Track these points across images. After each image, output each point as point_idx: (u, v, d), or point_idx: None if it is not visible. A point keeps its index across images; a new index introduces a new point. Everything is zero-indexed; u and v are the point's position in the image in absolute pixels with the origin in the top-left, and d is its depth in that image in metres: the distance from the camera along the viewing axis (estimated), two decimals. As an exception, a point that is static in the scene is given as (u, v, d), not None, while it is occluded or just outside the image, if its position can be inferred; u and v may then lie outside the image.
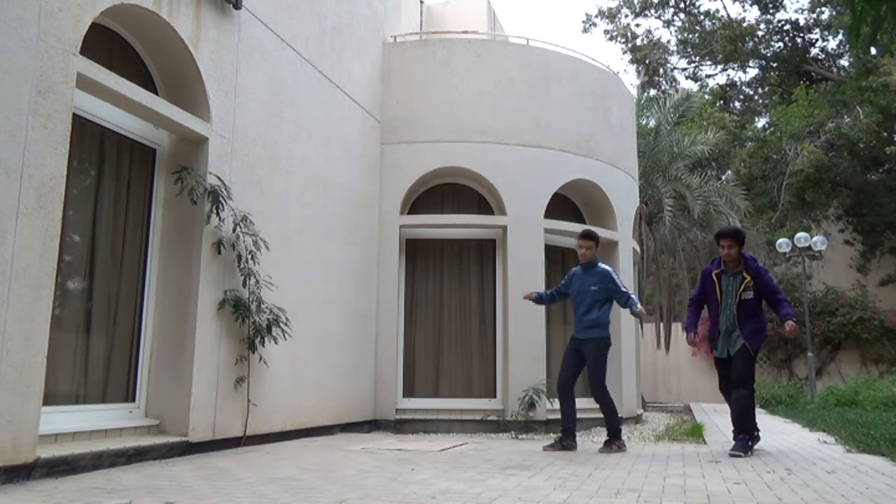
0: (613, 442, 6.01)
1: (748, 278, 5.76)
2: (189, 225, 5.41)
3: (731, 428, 5.83)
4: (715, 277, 5.92)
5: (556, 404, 8.18)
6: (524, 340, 8.33)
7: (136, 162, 5.33)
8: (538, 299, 6.60)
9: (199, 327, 5.25)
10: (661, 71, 26.52)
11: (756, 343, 5.74)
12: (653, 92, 22.78)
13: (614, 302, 6.25)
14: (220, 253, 5.52)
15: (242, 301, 5.63)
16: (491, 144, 8.71)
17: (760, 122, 25.38)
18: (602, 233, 9.45)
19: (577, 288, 6.25)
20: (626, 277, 9.68)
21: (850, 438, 6.43)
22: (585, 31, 26.81)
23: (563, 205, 9.42)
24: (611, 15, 26.21)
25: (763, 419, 10.63)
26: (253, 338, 5.72)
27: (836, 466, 4.81)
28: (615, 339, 9.42)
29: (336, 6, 7.73)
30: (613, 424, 6.05)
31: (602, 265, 6.29)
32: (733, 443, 5.72)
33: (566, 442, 6.01)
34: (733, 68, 26.15)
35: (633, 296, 6.23)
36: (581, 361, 6.17)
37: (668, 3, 26.04)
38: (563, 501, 3.40)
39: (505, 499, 3.44)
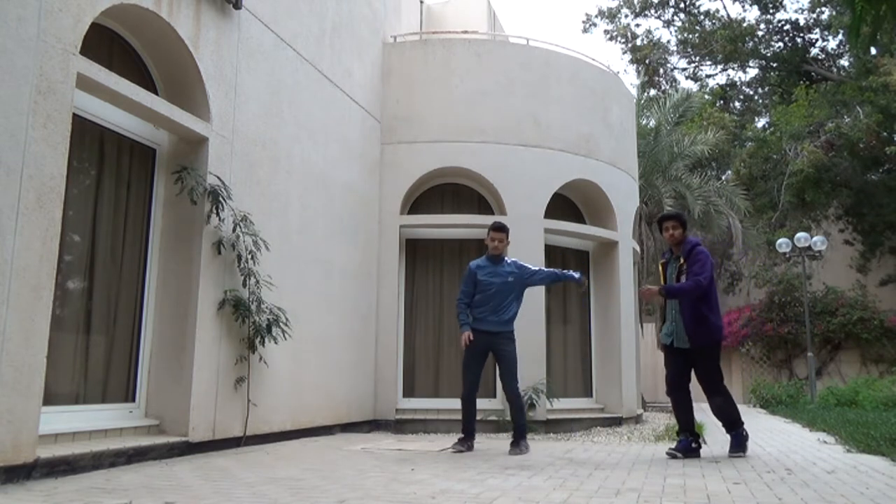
0: (522, 441, 5.79)
1: (682, 262, 5.54)
2: (189, 225, 5.41)
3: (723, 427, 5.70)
4: (661, 267, 5.80)
5: (556, 404, 8.23)
6: (524, 340, 8.24)
7: (136, 162, 5.33)
8: (469, 328, 5.90)
9: (199, 327, 5.25)
10: (661, 71, 26.53)
11: (705, 339, 5.43)
12: (653, 92, 22.78)
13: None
14: (220, 253, 5.52)
15: (242, 301, 5.63)
16: (491, 144, 8.71)
17: (760, 122, 25.41)
18: (602, 233, 9.49)
19: (494, 280, 5.91)
20: (626, 277, 9.69)
21: (850, 438, 6.43)
22: (585, 31, 26.84)
23: (563, 205, 9.41)
24: (611, 15, 26.23)
25: (763, 419, 10.64)
26: (253, 338, 5.72)
27: (836, 466, 4.81)
28: (616, 339, 9.47)
29: (336, 6, 7.73)
30: (523, 422, 5.89)
31: (507, 257, 6.11)
32: (729, 442, 5.58)
33: (471, 442, 5.88)
34: (733, 68, 26.17)
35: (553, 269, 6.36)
36: (485, 361, 5.97)
37: (668, 3, 26.05)
38: (563, 501, 3.40)
39: (505, 499, 3.44)
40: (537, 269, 6.24)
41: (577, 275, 6.12)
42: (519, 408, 5.92)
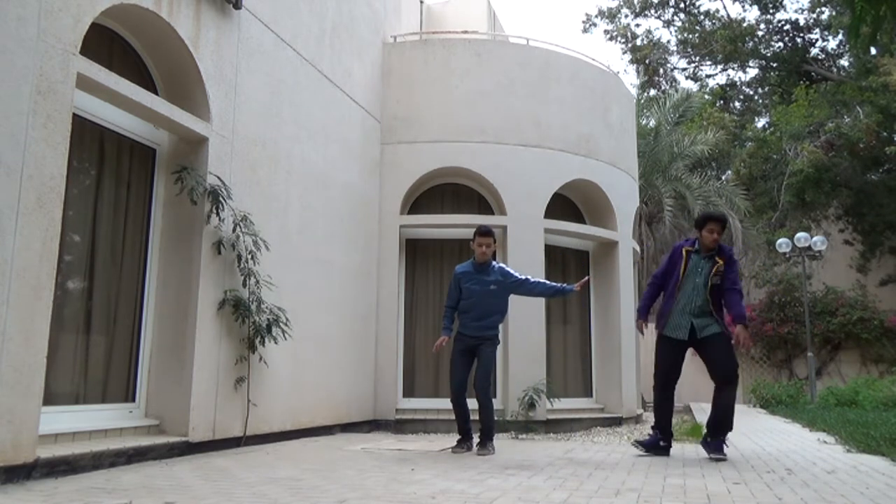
0: (489, 443, 5.73)
1: (720, 262, 5.56)
2: (189, 225, 5.41)
3: (707, 430, 5.49)
4: (685, 253, 5.68)
5: (556, 404, 8.23)
6: (524, 340, 8.33)
7: (136, 162, 5.33)
8: (449, 333, 5.93)
9: (199, 327, 5.25)
10: (661, 71, 26.53)
11: (730, 333, 5.58)
12: (653, 92, 22.81)
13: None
14: (220, 253, 5.52)
15: (242, 301, 5.63)
16: (491, 144, 8.71)
17: (760, 122, 25.40)
18: (602, 233, 9.49)
19: (476, 289, 5.76)
20: (626, 277, 9.69)
21: (850, 438, 6.43)
22: (585, 31, 26.84)
23: (563, 205, 9.41)
24: (611, 15, 26.23)
25: (763, 419, 10.64)
26: (253, 338, 5.72)
27: (836, 466, 4.81)
28: (616, 339, 9.47)
29: (336, 6, 7.73)
30: (491, 424, 5.82)
31: (495, 263, 5.94)
32: (712, 446, 5.34)
33: (469, 442, 5.84)
34: (733, 68, 26.16)
35: (540, 280, 6.33)
36: (472, 363, 5.88)
37: (668, 3, 26.04)
38: (563, 501, 3.40)
39: (505, 499, 3.44)
40: (525, 277, 5.96)
41: (574, 286, 6.00)
42: (486, 408, 5.79)
